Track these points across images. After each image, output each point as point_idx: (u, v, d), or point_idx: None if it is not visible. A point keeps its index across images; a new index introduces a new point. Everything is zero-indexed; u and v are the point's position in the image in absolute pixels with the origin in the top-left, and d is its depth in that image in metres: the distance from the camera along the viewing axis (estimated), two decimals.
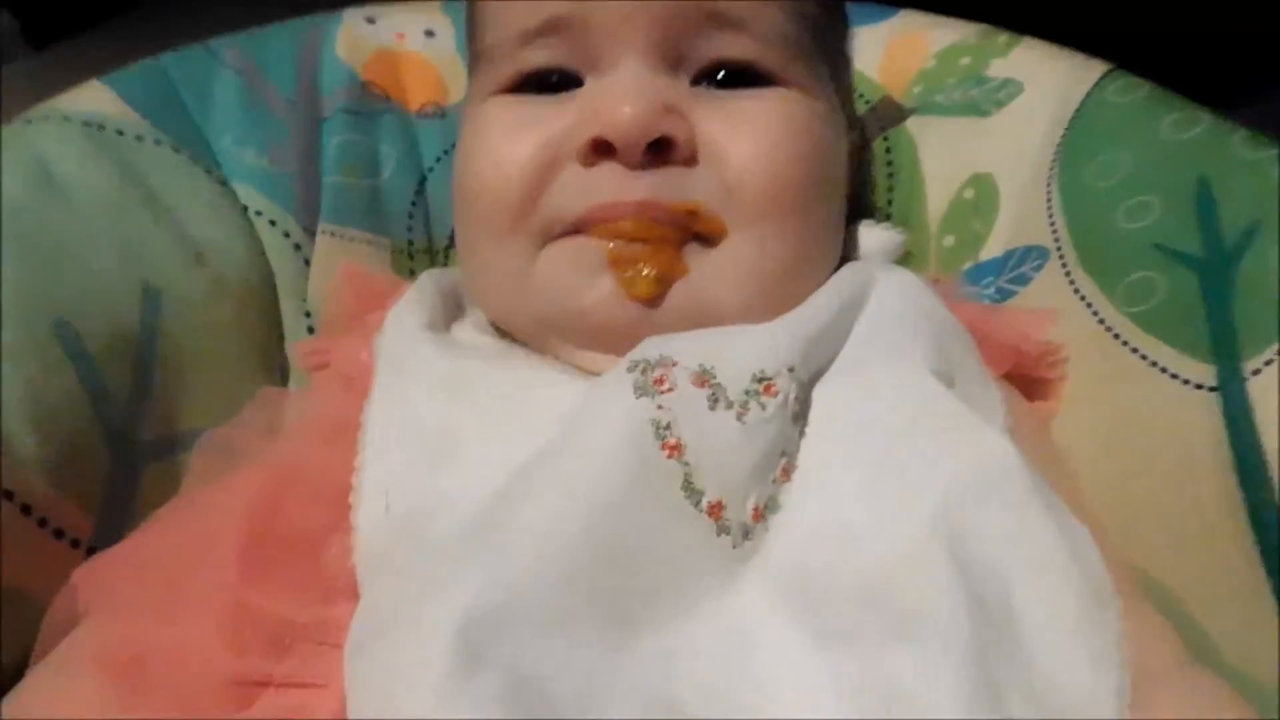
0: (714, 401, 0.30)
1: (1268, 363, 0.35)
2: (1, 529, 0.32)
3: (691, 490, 0.29)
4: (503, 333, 0.40)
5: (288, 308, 0.48)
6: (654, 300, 0.34)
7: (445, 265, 0.54)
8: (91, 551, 0.35)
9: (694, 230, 0.35)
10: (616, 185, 0.35)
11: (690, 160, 0.35)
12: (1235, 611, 0.34)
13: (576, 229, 0.35)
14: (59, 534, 0.34)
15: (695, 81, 0.37)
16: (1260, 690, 0.31)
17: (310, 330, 0.48)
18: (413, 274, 0.52)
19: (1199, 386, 0.37)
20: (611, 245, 0.34)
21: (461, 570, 0.26)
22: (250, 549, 0.29)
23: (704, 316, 0.34)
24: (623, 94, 0.34)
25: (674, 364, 0.31)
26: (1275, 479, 0.33)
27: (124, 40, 1.94)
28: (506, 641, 0.24)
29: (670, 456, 0.29)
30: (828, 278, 0.39)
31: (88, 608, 0.30)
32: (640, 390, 0.30)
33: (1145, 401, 0.38)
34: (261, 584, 0.29)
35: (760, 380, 0.31)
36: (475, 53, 0.42)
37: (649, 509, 0.28)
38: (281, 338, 0.47)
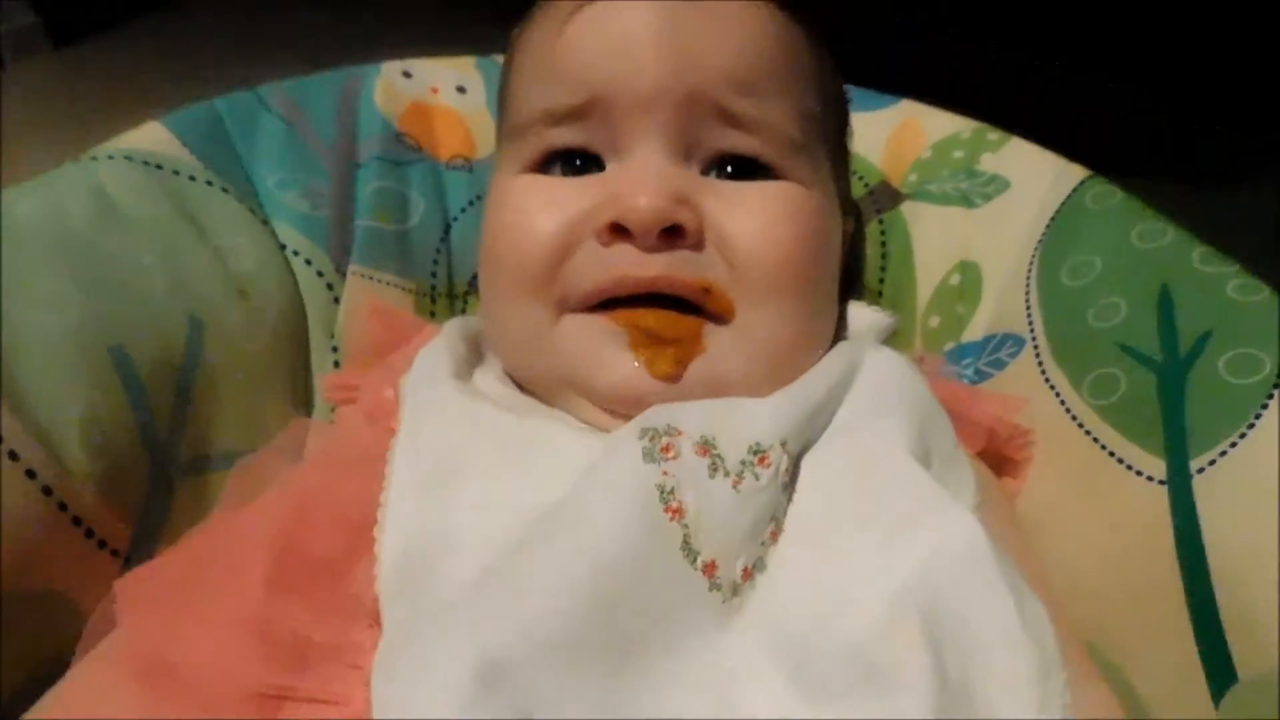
0: (713, 470, 0.33)
1: (1211, 462, 0.38)
2: (55, 538, 0.34)
3: (689, 550, 0.31)
4: (518, 384, 0.43)
5: (316, 341, 0.51)
6: (674, 377, 0.37)
7: (465, 308, 0.58)
8: (129, 561, 0.38)
9: (708, 310, 0.38)
10: (632, 262, 0.37)
11: (699, 245, 0.38)
12: (1171, 686, 0.37)
13: (594, 301, 0.38)
14: (102, 544, 0.37)
15: (704, 170, 0.41)
16: None
17: (336, 364, 0.51)
18: (434, 316, 0.56)
19: (1150, 479, 0.40)
20: (631, 333, 0.37)
21: (479, 613, 0.29)
22: (275, 570, 0.31)
23: (718, 389, 0.37)
24: (640, 183, 0.37)
25: (679, 433, 0.33)
26: (1211, 568, 0.37)
27: (144, 43, 1.97)
28: (517, 681, 0.27)
29: (673, 519, 0.31)
30: (824, 353, 0.42)
31: (124, 615, 0.32)
32: (649, 456, 0.32)
33: (1101, 487, 0.42)
34: (285, 603, 0.31)
35: (755, 452, 0.34)
36: (505, 122, 0.45)
37: (651, 565, 0.31)
38: (309, 369, 0.50)
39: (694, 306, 0.38)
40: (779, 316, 0.39)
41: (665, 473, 0.32)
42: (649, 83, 0.39)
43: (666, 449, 0.33)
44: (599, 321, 0.38)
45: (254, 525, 0.33)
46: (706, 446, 0.33)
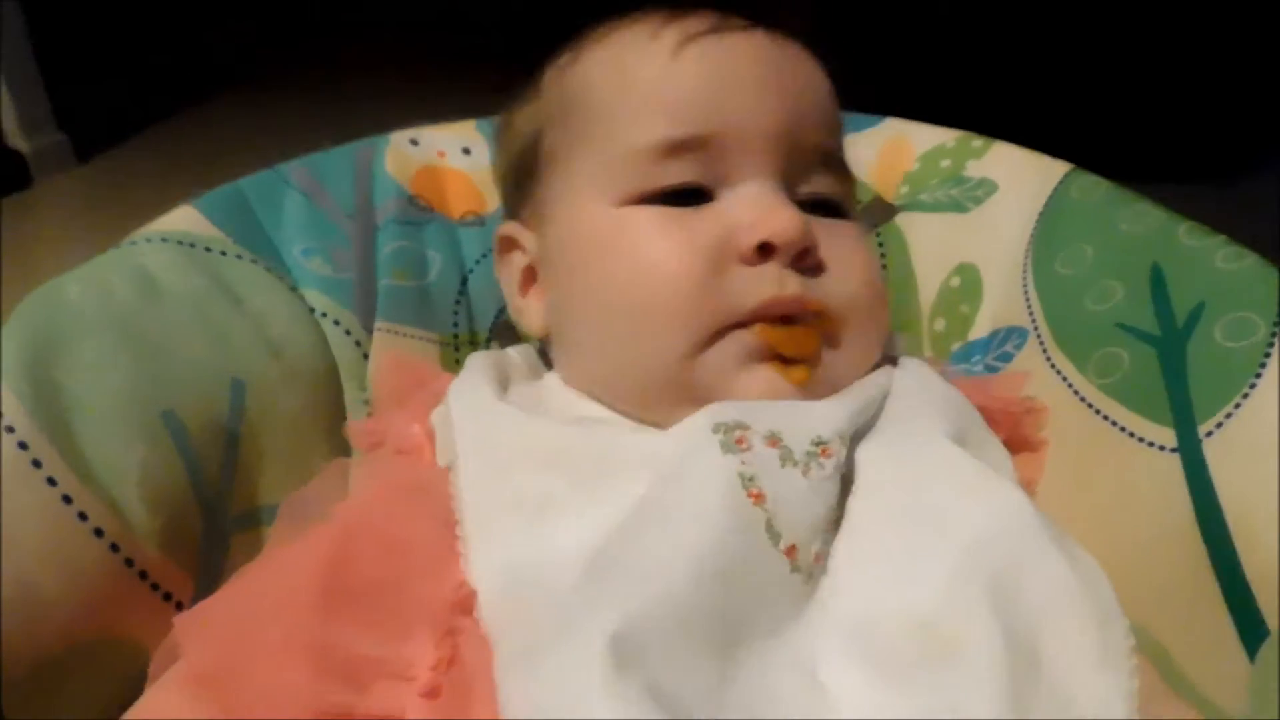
0: (784, 460, 0.35)
1: (1219, 425, 0.40)
2: (124, 590, 0.37)
3: (773, 532, 0.33)
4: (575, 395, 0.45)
5: (350, 396, 0.53)
6: (806, 384, 0.40)
7: None
8: None
9: (821, 328, 0.41)
10: (776, 282, 0.40)
11: (817, 268, 0.41)
12: (1205, 649, 0.37)
13: (755, 319, 0.40)
14: (168, 596, 0.39)
15: (798, 205, 0.43)
16: (1227, 714, 0.35)
17: (369, 415, 0.53)
18: (458, 364, 0.58)
19: (1162, 448, 0.41)
20: (765, 329, 0.40)
21: (595, 605, 0.30)
22: (326, 597, 0.33)
23: (828, 395, 0.40)
24: (780, 207, 0.40)
25: (748, 428, 0.36)
26: (1230, 526, 0.37)
27: (164, 147, 2.06)
28: (643, 659, 0.28)
29: (756, 504, 0.33)
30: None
31: (184, 648, 0.33)
32: (726, 448, 0.35)
33: (1117, 463, 0.43)
34: (338, 627, 0.32)
35: (818, 444, 0.36)
36: (591, 155, 0.43)
37: (742, 548, 0.33)
38: (344, 421, 0.52)
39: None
40: (870, 338, 0.43)
41: (744, 462, 0.34)
42: (770, 119, 0.41)
43: (740, 440, 0.35)
44: (748, 338, 0.40)
45: (304, 556, 0.35)
46: (774, 439, 0.35)
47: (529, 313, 0.49)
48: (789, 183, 0.43)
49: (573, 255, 0.44)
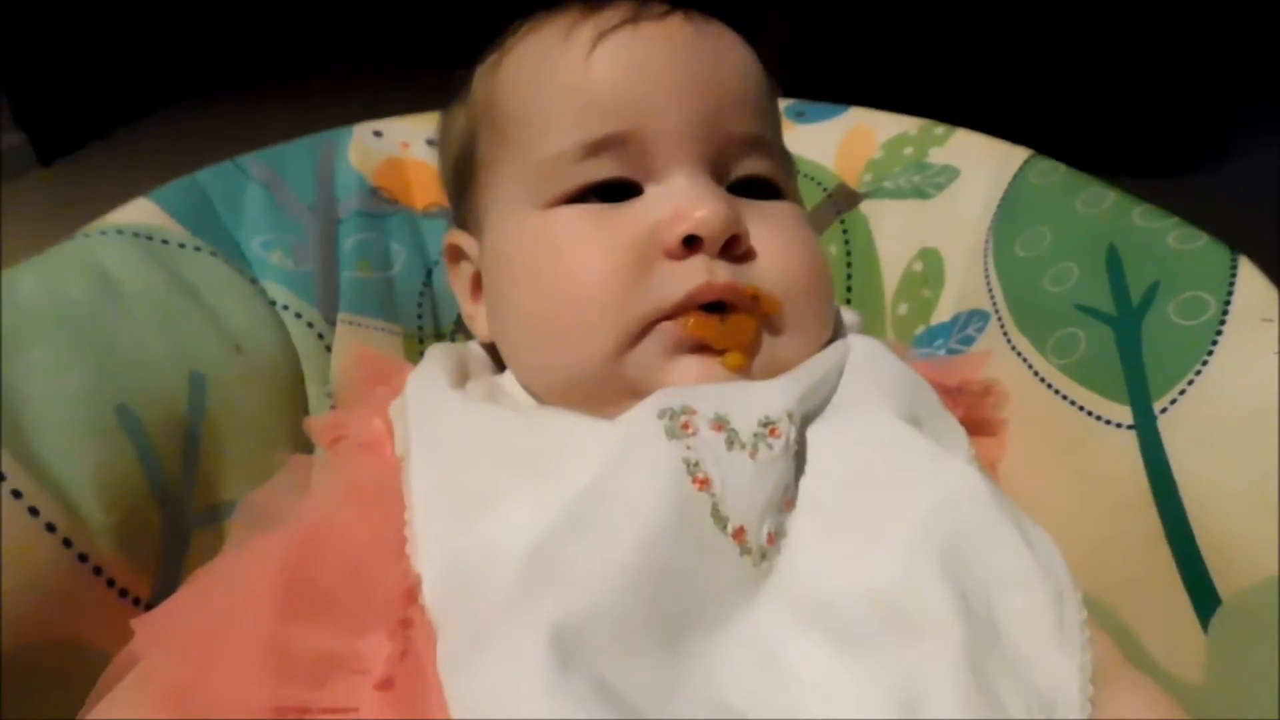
0: (730, 444, 0.35)
1: (1173, 401, 0.40)
2: (79, 587, 0.36)
3: (719, 517, 0.33)
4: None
5: (313, 390, 0.52)
6: (745, 369, 0.40)
7: None
8: (150, 609, 0.39)
9: (757, 312, 0.40)
10: (704, 271, 0.39)
11: (747, 254, 0.41)
12: (1162, 620, 0.38)
13: (682, 311, 0.39)
14: (124, 593, 0.38)
15: (729, 191, 0.43)
16: (1184, 686, 0.36)
17: (332, 408, 0.53)
18: (423, 357, 0.58)
19: (1119, 425, 0.42)
20: (692, 321, 0.39)
21: (537, 598, 0.30)
22: (285, 597, 0.33)
23: (774, 376, 0.40)
24: (699, 200, 0.39)
25: (694, 412, 0.35)
26: (1184, 500, 0.38)
27: (128, 151, 2.03)
28: (586, 654, 0.28)
29: (700, 489, 0.33)
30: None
31: (144, 651, 0.33)
32: (670, 434, 0.35)
33: (1076, 441, 0.44)
34: (297, 626, 0.32)
35: (765, 424, 0.36)
36: (514, 160, 0.43)
37: (687, 534, 0.33)
38: (307, 415, 0.52)
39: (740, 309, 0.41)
40: (813, 318, 0.43)
41: (688, 447, 0.34)
42: (690, 109, 0.41)
43: (685, 426, 0.35)
44: (675, 330, 0.39)
45: (263, 557, 0.35)
46: (720, 423, 0.35)
47: (478, 320, 0.49)
48: (718, 170, 0.42)
49: (502, 262, 0.44)
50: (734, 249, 0.40)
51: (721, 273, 0.39)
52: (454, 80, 0.50)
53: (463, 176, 0.48)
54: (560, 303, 0.40)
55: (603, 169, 0.41)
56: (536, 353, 0.43)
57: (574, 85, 0.41)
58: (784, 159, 0.46)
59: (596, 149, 0.41)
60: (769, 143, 0.45)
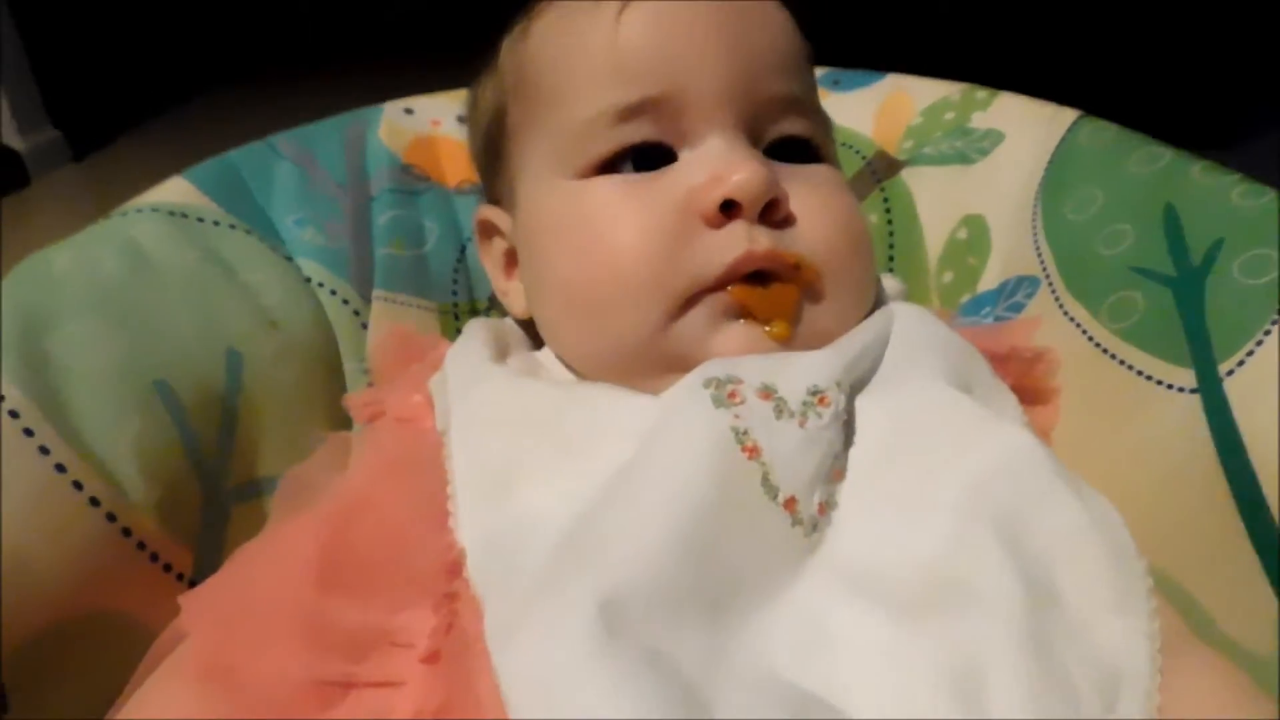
0: (778, 412, 0.34)
1: (1240, 363, 0.39)
2: (123, 561, 0.36)
3: (769, 486, 0.32)
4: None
5: (349, 366, 0.52)
6: (788, 339, 0.38)
7: None
8: (193, 584, 0.39)
9: (799, 280, 0.39)
10: (745, 240, 0.38)
11: (787, 220, 0.40)
12: (1231, 590, 0.37)
13: (726, 282, 0.38)
14: (168, 567, 0.38)
15: (767, 155, 0.41)
16: (1254, 659, 0.35)
17: (369, 385, 0.52)
18: (459, 332, 0.57)
19: (1181, 389, 0.40)
20: (735, 291, 0.38)
21: (583, 569, 0.29)
22: (325, 570, 0.33)
23: (816, 347, 0.38)
24: (735, 164, 0.38)
25: (740, 381, 0.35)
26: (1255, 465, 0.36)
27: (159, 142, 2.05)
28: (634, 624, 0.28)
29: (750, 458, 0.32)
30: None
31: (188, 629, 0.33)
32: (718, 403, 0.34)
33: (1135, 407, 0.42)
34: (338, 601, 0.32)
35: (814, 393, 0.35)
36: (546, 127, 0.42)
37: (737, 504, 0.32)
38: (344, 392, 0.51)
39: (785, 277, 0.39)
40: (855, 285, 0.42)
41: (736, 416, 0.33)
42: (724, 72, 0.40)
43: (733, 395, 0.34)
44: (721, 300, 0.38)
45: (304, 533, 0.35)
46: (768, 392, 0.34)
47: (513, 296, 0.48)
48: (754, 132, 0.41)
49: (537, 236, 0.43)
50: (773, 214, 0.39)
51: (762, 240, 0.38)
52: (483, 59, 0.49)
53: (493, 150, 0.47)
54: (600, 275, 0.39)
55: (636, 133, 0.40)
56: (577, 327, 0.42)
57: (605, 49, 0.40)
58: (822, 120, 0.45)
59: (630, 114, 0.40)
60: (805, 103, 0.43)
